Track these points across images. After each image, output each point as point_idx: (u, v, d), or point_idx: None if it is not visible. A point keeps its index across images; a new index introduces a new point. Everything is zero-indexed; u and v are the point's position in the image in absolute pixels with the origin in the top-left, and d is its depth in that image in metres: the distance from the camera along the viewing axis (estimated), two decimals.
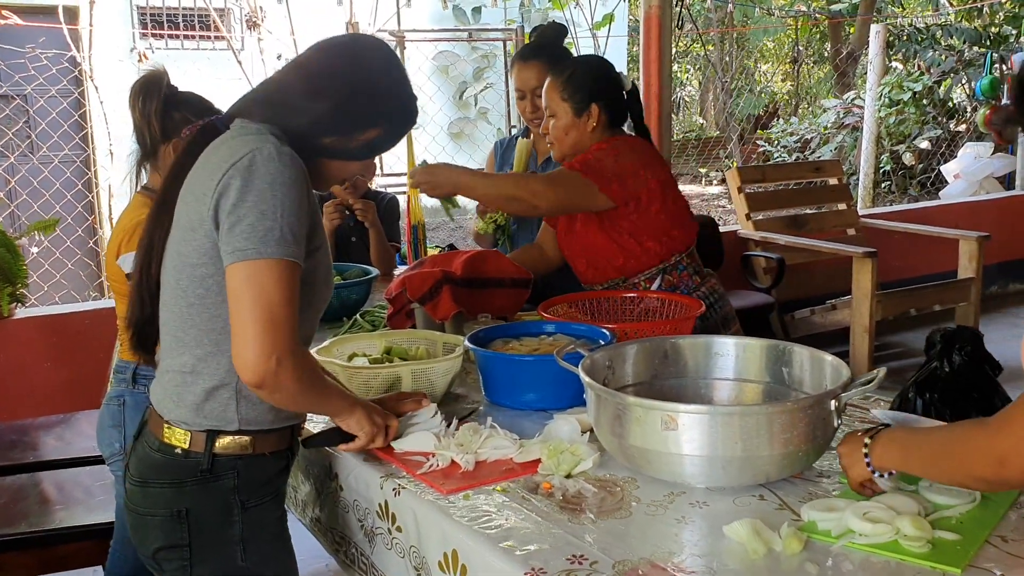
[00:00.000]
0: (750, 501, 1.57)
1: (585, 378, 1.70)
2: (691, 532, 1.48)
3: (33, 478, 2.97)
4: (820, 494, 1.59)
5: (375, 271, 3.09)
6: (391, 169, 6.35)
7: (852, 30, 13.15)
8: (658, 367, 1.94)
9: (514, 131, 3.44)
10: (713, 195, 12.96)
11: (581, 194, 2.49)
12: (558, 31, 3.13)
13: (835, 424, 1.62)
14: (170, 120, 2.28)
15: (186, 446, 1.62)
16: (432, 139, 6.87)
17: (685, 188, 13.68)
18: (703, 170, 13.87)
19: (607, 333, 2.18)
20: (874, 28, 8.09)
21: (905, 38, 10.99)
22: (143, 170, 2.41)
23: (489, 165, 3.42)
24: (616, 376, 1.89)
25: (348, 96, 1.65)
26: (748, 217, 5.97)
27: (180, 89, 2.38)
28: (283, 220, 1.50)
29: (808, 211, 6.36)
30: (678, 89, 16.72)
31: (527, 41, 3.35)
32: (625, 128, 2.75)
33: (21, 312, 4.06)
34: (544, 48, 3.05)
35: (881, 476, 1.45)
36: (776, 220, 6.17)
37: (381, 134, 1.71)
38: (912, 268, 6.36)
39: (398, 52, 4.69)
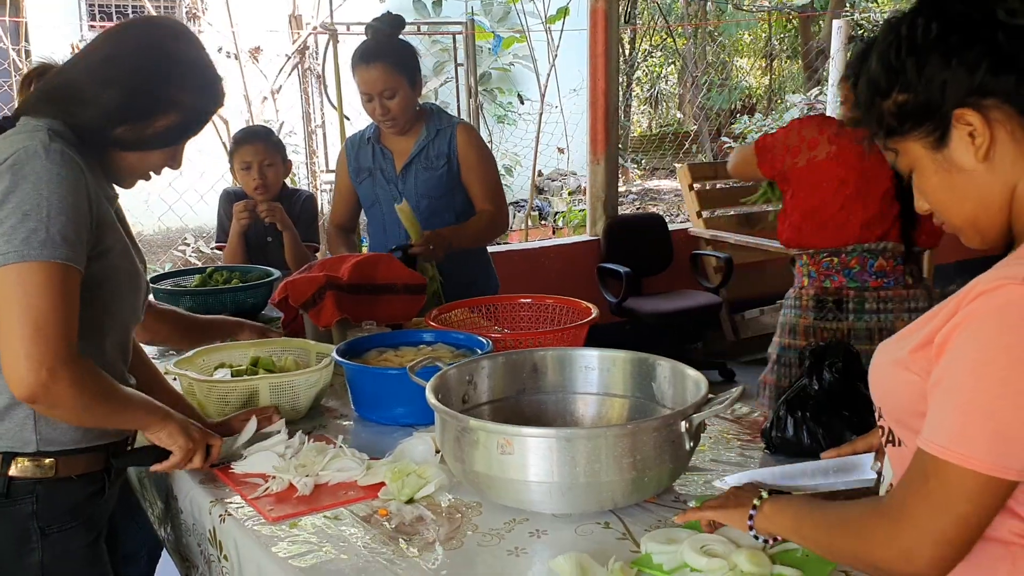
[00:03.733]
0: (593, 529, 1.47)
1: (431, 398, 1.59)
2: (519, 565, 1.38)
3: None
4: (672, 522, 1.49)
5: (277, 273, 2.96)
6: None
7: (825, 22, 13.03)
8: (526, 381, 1.84)
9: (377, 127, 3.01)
10: None
11: (744, 162, 2.90)
12: (393, 24, 2.89)
13: (687, 446, 1.52)
14: None
15: None
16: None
17: (661, 183, 13.57)
18: (678, 164, 13.72)
19: (485, 343, 2.08)
20: (836, 24, 7.95)
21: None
22: None
23: (341, 167, 3.19)
24: (477, 392, 1.79)
25: (137, 82, 1.53)
26: (699, 215, 5.87)
27: None
28: (50, 220, 1.39)
29: (761, 209, 6.25)
30: (657, 83, 16.56)
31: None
32: None
33: None
34: (383, 46, 2.86)
35: (757, 539, 1.31)
36: (728, 218, 6.07)
37: (179, 120, 1.60)
38: None
39: (331, 47, 4.55)
